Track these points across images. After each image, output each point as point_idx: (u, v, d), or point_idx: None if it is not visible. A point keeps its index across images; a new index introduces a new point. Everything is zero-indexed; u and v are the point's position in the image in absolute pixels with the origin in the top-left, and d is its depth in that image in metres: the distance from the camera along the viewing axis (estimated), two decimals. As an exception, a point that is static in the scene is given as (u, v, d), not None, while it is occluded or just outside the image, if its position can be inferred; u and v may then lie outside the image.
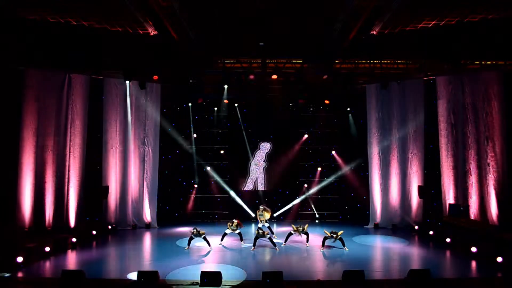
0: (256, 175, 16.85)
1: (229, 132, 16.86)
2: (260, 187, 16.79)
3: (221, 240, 12.13)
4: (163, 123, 15.77)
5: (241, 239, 12.10)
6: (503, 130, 12.74)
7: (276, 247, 11.35)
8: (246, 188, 16.80)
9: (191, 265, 9.83)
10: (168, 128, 16.17)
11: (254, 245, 11.42)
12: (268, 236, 11.45)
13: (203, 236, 11.41)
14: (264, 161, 16.85)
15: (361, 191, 16.09)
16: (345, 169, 16.58)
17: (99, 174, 14.38)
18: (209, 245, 11.50)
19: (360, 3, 10.73)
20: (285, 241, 11.99)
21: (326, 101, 16.40)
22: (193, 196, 16.65)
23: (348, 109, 16.45)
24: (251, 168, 16.84)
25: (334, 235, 11.12)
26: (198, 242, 11.69)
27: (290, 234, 11.96)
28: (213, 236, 12.30)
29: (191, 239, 11.46)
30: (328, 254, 11.01)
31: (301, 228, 11.66)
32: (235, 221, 11.93)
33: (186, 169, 16.67)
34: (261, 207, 13.04)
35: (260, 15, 11.70)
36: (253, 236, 11.69)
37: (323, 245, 11.37)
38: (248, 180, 16.83)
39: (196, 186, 16.66)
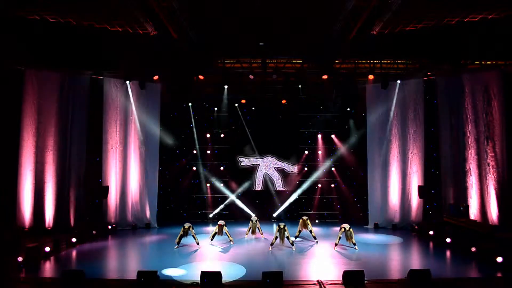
0: (259, 176, 16.87)
1: (230, 132, 16.87)
2: (262, 188, 16.82)
3: (211, 239, 12.09)
4: (163, 123, 15.74)
5: (230, 239, 12.08)
6: (503, 130, 12.75)
7: (293, 247, 11.35)
8: (247, 189, 16.82)
9: (191, 265, 9.83)
10: (168, 127, 16.18)
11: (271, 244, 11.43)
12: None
13: (191, 234, 11.41)
14: (265, 163, 16.88)
15: (361, 191, 16.09)
16: (345, 168, 16.59)
17: (99, 174, 14.38)
18: (198, 243, 11.50)
19: (360, 3, 10.74)
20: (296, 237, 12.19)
21: (326, 101, 16.41)
22: (193, 196, 16.66)
23: (348, 109, 16.45)
24: (257, 169, 16.89)
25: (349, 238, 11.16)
26: (189, 241, 11.71)
27: (300, 231, 12.16)
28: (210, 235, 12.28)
29: (181, 237, 11.41)
30: (329, 254, 11.00)
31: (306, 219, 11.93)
32: (217, 225, 11.89)
33: (186, 169, 16.66)
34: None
35: (260, 15, 11.70)
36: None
37: (336, 244, 11.39)
38: (251, 181, 16.84)
39: (196, 186, 16.66)
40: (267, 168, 16.84)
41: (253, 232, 12.66)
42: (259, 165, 16.86)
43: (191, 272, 9.04)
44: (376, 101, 15.28)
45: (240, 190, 16.72)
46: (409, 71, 15.15)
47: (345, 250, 11.25)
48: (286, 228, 11.41)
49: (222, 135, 16.85)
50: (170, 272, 9.06)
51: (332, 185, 16.83)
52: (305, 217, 12.10)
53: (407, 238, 13.13)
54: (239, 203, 16.52)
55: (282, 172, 16.86)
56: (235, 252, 11.24)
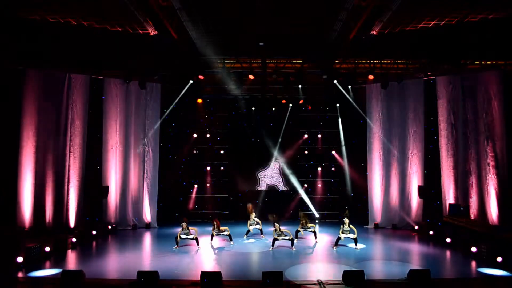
0: (259, 175, 16.91)
1: (229, 132, 16.88)
2: (262, 187, 16.84)
3: (211, 239, 12.12)
4: (163, 123, 15.75)
5: (230, 239, 12.07)
6: (503, 130, 12.72)
7: (293, 247, 11.39)
8: (247, 189, 16.83)
9: (191, 265, 9.83)
10: (168, 128, 16.19)
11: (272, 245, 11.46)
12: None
13: (193, 237, 11.47)
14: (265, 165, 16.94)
15: (361, 191, 16.09)
16: (345, 169, 16.60)
17: (99, 174, 14.38)
18: (198, 244, 11.53)
19: (360, 3, 10.75)
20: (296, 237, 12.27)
21: (326, 101, 16.43)
22: (193, 196, 16.67)
23: (348, 109, 16.41)
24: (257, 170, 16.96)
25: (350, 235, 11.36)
26: (189, 242, 11.75)
27: (298, 231, 12.26)
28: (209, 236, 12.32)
29: (177, 238, 11.45)
30: (329, 254, 11.01)
31: (305, 222, 12.10)
32: (214, 223, 11.97)
33: (186, 169, 16.67)
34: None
35: (260, 15, 11.70)
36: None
37: (336, 244, 11.42)
38: (251, 181, 16.87)
39: (196, 186, 16.68)
40: (271, 172, 16.90)
41: (250, 212, 12.95)
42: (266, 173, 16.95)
43: (191, 272, 9.04)
44: (376, 101, 15.29)
45: (239, 189, 16.70)
46: (409, 71, 15.16)
47: (345, 250, 11.25)
48: (279, 227, 11.46)
49: (222, 135, 16.84)
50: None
51: (332, 185, 16.82)
52: (302, 213, 12.33)
53: (407, 238, 13.13)
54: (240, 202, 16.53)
55: (283, 173, 16.85)
56: (235, 252, 11.24)
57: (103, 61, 14.08)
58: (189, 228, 11.54)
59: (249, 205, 13.24)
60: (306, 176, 16.90)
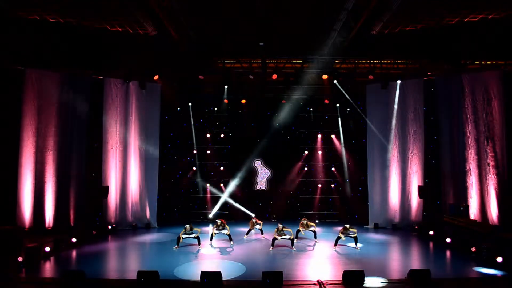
0: (258, 175, 16.92)
1: (229, 132, 16.87)
2: (262, 187, 16.86)
3: (210, 240, 12.11)
4: (163, 123, 15.75)
5: (230, 239, 12.04)
6: (503, 130, 12.74)
7: (293, 247, 11.39)
8: (247, 189, 16.84)
9: (191, 265, 9.83)
10: (168, 127, 16.18)
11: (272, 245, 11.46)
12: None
13: (195, 236, 11.48)
14: (266, 165, 16.93)
15: (361, 191, 16.08)
16: (345, 168, 16.59)
17: (99, 174, 14.38)
18: (199, 243, 11.54)
19: (360, 3, 10.76)
20: (296, 237, 12.26)
21: (326, 101, 16.44)
22: (193, 196, 16.65)
23: (348, 109, 16.44)
24: (255, 169, 16.95)
25: (351, 233, 11.37)
26: (189, 242, 11.75)
27: (298, 231, 12.28)
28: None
29: (179, 238, 11.47)
30: (329, 254, 11.01)
31: (306, 222, 12.15)
32: (219, 221, 11.99)
33: (186, 169, 16.66)
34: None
35: (260, 15, 11.71)
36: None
37: (335, 244, 11.43)
38: (250, 180, 16.88)
39: (196, 186, 16.67)
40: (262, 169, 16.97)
41: (252, 226, 12.88)
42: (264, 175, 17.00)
43: (191, 272, 9.05)
44: (376, 101, 15.29)
45: (240, 189, 16.69)
46: (409, 71, 15.16)
47: (345, 250, 11.25)
48: (282, 226, 11.48)
49: (222, 135, 16.85)
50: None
51: (332, 185, 16.83)
52: (304, 221, 12.25)
53: (407, 238, 13.13)
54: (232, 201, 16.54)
55: (276, 170, 16.87)
56: (235, 252, 11.24)
57: (103, 61, 14.09)
58: (193, 229, 11.55)
59: (252, 221, 13.17)
60: (306, 176, 16.89)
